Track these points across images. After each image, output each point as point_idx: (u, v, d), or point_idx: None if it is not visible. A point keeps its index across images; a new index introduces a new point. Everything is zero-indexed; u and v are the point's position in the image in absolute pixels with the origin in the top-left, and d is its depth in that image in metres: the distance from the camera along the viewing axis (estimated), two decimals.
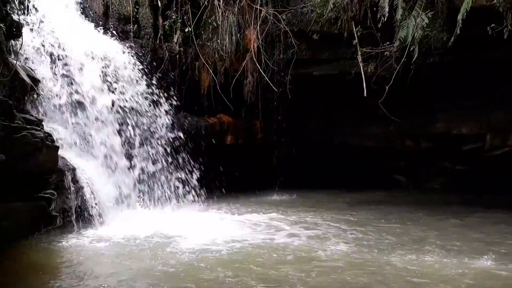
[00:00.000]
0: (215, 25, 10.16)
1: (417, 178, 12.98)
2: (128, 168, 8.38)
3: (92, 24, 9.14)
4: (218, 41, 10.18)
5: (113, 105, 8.30)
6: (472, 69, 9.78)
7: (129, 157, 8.50)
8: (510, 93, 10.23)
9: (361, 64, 9.60)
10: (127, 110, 8.61)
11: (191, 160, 9.42)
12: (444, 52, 9.09)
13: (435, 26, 8.55)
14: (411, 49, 8.72)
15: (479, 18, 7.91)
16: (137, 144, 8.73)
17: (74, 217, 6.75)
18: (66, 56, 7.94)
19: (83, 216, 6.94)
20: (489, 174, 11.80)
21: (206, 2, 10.12)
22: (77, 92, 7.84)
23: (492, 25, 7.91)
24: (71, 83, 7.83)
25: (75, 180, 6.94)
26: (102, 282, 4.69)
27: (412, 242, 6.49)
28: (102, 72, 8.34)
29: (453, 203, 10.03)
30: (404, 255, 5.74)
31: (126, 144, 8.49)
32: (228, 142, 10.93)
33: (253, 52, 10.26)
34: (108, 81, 8.36)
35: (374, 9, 8.98)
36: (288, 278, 4.82)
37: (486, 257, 5.68)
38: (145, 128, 8.89)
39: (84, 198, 7.01)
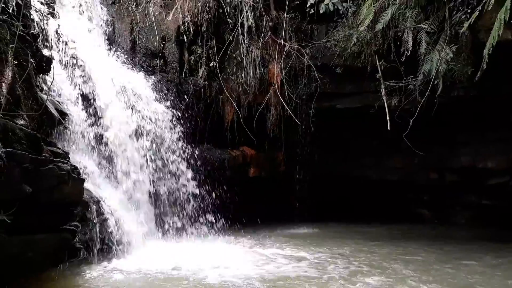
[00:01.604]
0: (240, 59, 10.32)
1: (442, 212, 12.77)
2: (152, 201, 8.43)
3: (119, 60, 9.33)
4: (242, 75, 10.31)
5: (138, 137, 8.40)
6: (497, 102, 9.70)
7: (153, 189, 8.56)
8: None
9: (384, 98, 9.59)
10: (153, 143, 8.70)
11: (214, 193, 9.45)
12: (469, 86, 9.02)
13: (459, 60, 8.52)
14: (435, 82, 8.69)
15: (505, 51, 7.87)
16: (161, 176, 8.79)
17: (97, 249, 6.77)
18: (95, 91, 8.10)
19: (106, 248, 6.97)
20: None
21: (231, 37, 10.31)
22: (103, 125, 7.95)
23: None
24: (98, 116, 7.96)
25: (99, 212, 7.00)
26: None
27: (437, 281, 6.31)
28: (127, 105, 8.47)
29: (480, 239, 9.80)
30: None
31: (150, 177, 8.55)
32: (251, 175, 10.94)
33: (276, 86, 10.35)
34: (133, 114, 8.48)
35: (398, 43, 9.01)
36: None
37: None
38: (170, 160, 8.95)
39: (108, 230, 7.05)
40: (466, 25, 7.88)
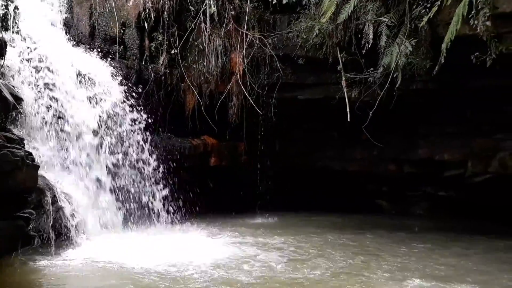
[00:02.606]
0: (201, 47, 10.21)
1: (400, 203, 13.01)
2: (110, 189, 8.31)
3: (78, 45, 9.14)
4: (204, 63, 10.21)
5: (96, 124, 8.26)
6: (454, 96, 9.92)
7: (111, 177, 8.44)
8: (492, 120, 10.37)
9: (345, 89, 9.69)
10: (111, 130, 8.56)
11: (174, 181, 9.38)
12: (427, 79, 9.20)
13: (418, 54, 8.66)
14: (395, 75, 8.82)
15: (463, 46, 8.06)
16: (119, 164, 8.66)
17: (52, 237, 6.65)
18: (51, 75, 7.91)
19: (61, 236, 6.87)
20: (472, 200, 11.91)
21: (192, 25, 10.18)
22: (60, 112, 7.79)
23: (476, 54, 8.03)
24: (54, 101, 7.78)
25: (54, 200, 6.90)
26: None
27: (387, 270, 6.47)
28: (85, 90, 8.30)
29: (433, 229, 10.09)
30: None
31: (108, 165, 8.43)
32: (211, 164, 10.89)
33: (238, 75, 10.31)
34: (92, 101, 8.33)
35: (359, 35, 9.09)
36: None
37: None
38: (129, 148, 8.82)
39: (63, 218, 6.94)
40: (425, 19, 8.03)
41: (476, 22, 7.57)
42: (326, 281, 5.75)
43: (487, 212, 11.33)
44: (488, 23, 7.47)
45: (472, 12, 7.53)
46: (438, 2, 7.87)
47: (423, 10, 8.33)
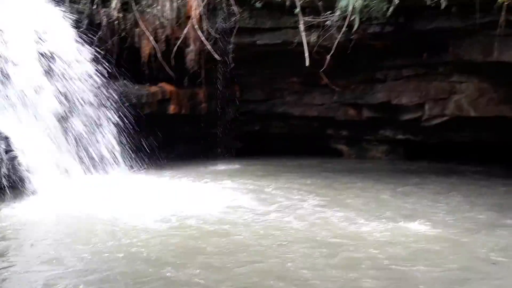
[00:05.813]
0: None
1: (360, 147, 13.22)
2: (68, 135, 8.16)
3: None
4: (159, 7, 9.90)
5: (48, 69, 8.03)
6: (411, 40, 9.93)
7: (68, 123, 8.28)
8: (447, 63, 10.48)
9: (303, 34, 9.59)
10: (65, 76, 8.33)
11: (133, 128, 9.26)
12: (384, 22, 9.18)
13: None
14: (352, 18, 8.76)
15: None
16: (75, 109, 8.48)
17: (7, 186, 6.59)
18: None
19: (17, 185, 6.77)
20: (429, 143, 12.22)
21: None
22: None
23: None
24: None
25: (8, 149, 6.79)
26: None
27: (350, 209, 6.71)
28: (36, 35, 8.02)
29: (391, 171, 10.42)
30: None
31: (64, 110, 8.24)
32: (171, 112, 10.73)
33: (194, 20, 10.04)
34: (42, 44, 8.05)
35: None
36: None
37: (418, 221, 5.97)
38: (83, 94, 8.61)
39: (18, 167, 6.84)
40: None
41: None
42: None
43: (442, 152, 11.73)
44: None
45: None
46: None
47: None
